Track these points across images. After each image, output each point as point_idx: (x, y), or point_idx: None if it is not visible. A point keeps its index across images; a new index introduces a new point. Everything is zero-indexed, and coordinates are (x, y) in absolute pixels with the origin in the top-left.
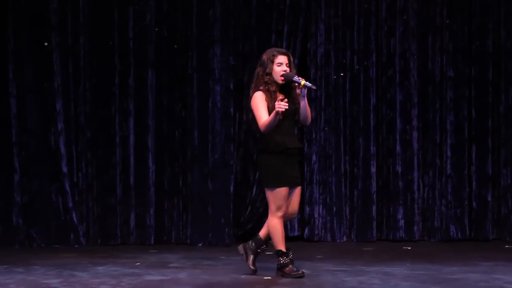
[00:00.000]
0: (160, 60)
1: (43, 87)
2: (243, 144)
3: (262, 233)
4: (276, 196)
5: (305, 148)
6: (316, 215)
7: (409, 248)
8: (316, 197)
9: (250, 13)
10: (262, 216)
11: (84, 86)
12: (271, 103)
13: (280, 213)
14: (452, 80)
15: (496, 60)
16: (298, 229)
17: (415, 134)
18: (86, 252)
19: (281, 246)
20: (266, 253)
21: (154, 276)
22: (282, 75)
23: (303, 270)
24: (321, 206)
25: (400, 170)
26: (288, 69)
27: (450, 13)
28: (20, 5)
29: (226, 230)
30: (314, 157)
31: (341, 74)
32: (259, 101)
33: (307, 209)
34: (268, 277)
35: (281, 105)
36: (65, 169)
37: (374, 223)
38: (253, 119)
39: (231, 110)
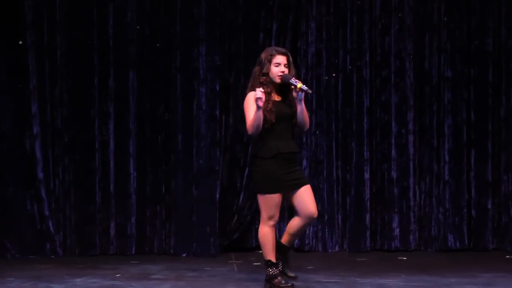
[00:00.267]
0: (142, 60)
1: (18, 88)
2: (229, 148)
3: (283, 239)
4: (268, 203)
5: None
6: None
7: (404, 258)
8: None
9: (237, 11)
10: (249, 224)
11: (61, 87)
12: (266, 104)
13: (271, 222)
14: (450, 81)
15: (497, 60)
16: None
17: (411, 138)
18: (63, 263)
19: (270, 256)
20: (254, 264)
21: None
22: (279, 76)
23: (293, 282)
24: None
25: (395, 176)
26: (286, 70)
27: (448, 10)
28: None
29: (212, 239)
30: (304, 163)
31: (333, 74)
32: (250, 103)
33: None
34: None
35: (257, 92)
36: (41, 175)
37: (368, 232)
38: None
39: (217, 112)
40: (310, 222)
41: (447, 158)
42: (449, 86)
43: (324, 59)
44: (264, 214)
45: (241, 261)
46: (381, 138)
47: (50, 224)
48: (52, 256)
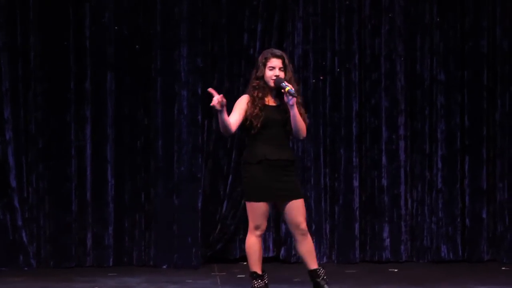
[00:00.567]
0: (120, 62)
1: None
2: (212, 155)
3: (306, 265)
4: (254, 212)
5: None
6: None
7: (395, 270)
8: (283, 215)
9: (220, 10)
10: (233, 234)
11: (35, 91)
12: (253, 109)
13: (258, 232)
14: (443, 84)
15: (492, 62)
16: (274, 249)
17: (402, 144)
18: (37, 276)
19: (256, 267)
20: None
21: None
22: (273, 80)
23: None
24: None
25: (385, 184)
26: (281, 74)
27: (440, 10)
28: None
29: (194, 250)
30: None
31: (321, 77)
32: (237, 104)
33: (283, 227)
34: None
35: (214, 99)
36: (13, 183)
37: (357, 243)
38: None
39: (199, 117)
40: (302, 237)
41: (440, 164)
42: (442, 89)
43: (311, 61)
44: (250, 223)
45: (224, 273)
46: (371, 143)
47: (23, 234)
48: (26, 268)
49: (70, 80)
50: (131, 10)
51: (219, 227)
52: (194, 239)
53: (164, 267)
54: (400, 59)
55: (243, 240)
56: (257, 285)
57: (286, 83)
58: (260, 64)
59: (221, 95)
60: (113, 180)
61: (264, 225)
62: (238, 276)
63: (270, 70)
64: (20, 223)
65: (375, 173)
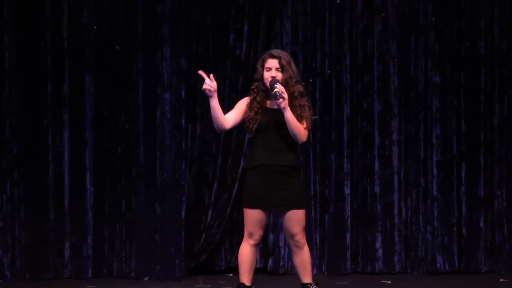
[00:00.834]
0: (99, 64)
1: None
2: (196, 161)
3: (299, 278)
4: (247, 218)
5: None
6: (281, 244)
7: (388, 282)
8: (281, 222)
9: (205, 9)
10: (218, 244)
11: (10, 94)
12: (249, 112)
13: (251, 240)
14: (438, 87)
15: (489, 64)
16: (261, 260)
17: (395, 149)
18: None
19: (245, 279)
20: None
21: None
22: (269, 81)
23: None
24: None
25: (378, 191)
26: (279, 74)
27: (436, 9)
28: None
29: (177, 261)
30: None
31: (310, 80)
32: (237, 104)
33: (271, 236)
34: None
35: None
36: None
37: (349, 253)
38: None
39: (183, 121)
40: (297, 249)
41: (435, 171)
42: (437, 92)
43: (301, 63)
44: (245, 230)
45: (209, 285)
46: (363, 149)
47: None
48: (0, 281)
49: (47, 83)
50: (111, 9)
51: (203, 236)
52: (178, 250)
53: (146, 279)
54: (394, 60)
55: (229, 251)
56: None
57: (278, 84)
58: (259, 66)
59: (211, 75)
60: (92, 188)
61: (258, 233)
62: None
63: (267, 71)
64: None
65: (367, 180)
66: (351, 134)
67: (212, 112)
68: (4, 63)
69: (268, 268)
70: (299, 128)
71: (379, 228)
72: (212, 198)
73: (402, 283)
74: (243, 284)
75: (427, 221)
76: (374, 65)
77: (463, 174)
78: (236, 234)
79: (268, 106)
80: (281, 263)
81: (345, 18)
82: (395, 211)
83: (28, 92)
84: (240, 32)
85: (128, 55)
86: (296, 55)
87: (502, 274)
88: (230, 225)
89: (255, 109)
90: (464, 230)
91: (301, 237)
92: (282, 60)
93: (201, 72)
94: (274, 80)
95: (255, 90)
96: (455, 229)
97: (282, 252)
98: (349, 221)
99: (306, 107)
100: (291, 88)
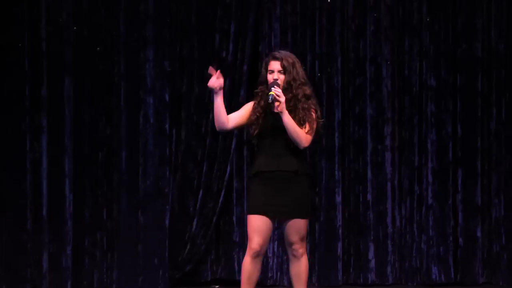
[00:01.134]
0: (79, 66)
1: None
2: (181, 167)
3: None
4: (248, 224)
5: None
6: (269, 254)
7: None
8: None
9: (190, 9)
10: (204, 255)
11: None
12: (251, 117)
13: (252, 250)
14: (433, 90)
15: (486, 67)
16: None
17: (388, 155)
18: None
19: None
20: None
21: None
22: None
23: None
24: (276, 243)
25: (370, 199)
26: (281, 77)
27: (431, 9)
28: None
29: (161, 272)
30: None
31: None
32: (243, 106)
33: None
34: None
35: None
36: None
37: (340, 264)
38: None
39: (167, 126)
40: (294, 258)
41: (430, 178)
42: (432, 96)
43: None
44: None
45: None
46: (355, 155)
47: None
48: None
49: (24, 86)
50: (91, 9)
51: (188, 247)
52: (161, 260)
53: None
54: (387, 63)
55: (215, 261)
56: None
57: (275, 88)
58: (263, 68)
59: (218, 71)
60: (72, 196)
61: (255, 241)
62: None
63: (270, 73)
64: None
65: (360, 188)
66: (343, 139)
67: (215, 109)
68: None
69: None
70: (298, 133)
71: (372, 238)
72: (198, 206)
73: None
74: None
75: (421, 230)
76: (366, 68)
77: (459, 181)
78: (222, 244)
79: (273, 110)
80: (270, 274)
81: (336, 18)
82: (389, 219)
83: (5, 96)
84: (227, 32)
85: (109, 57)
86: None
87: (500, 286)
88: (216, 235)
89: (257, 114)
90: (460, 239)
91: (299, 247)
92: (284, 61)
93: (211, 70)
94: (272, 83)
95: (259, 93)
96: (451, 239)
97: (271, 263)
98: (340, 230)
99: (312, 110)
100: (294, 91)
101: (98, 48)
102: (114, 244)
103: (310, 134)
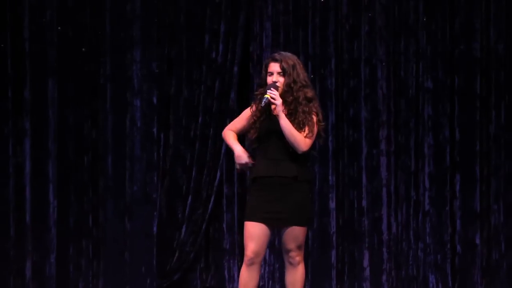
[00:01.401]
0: (63, 67)
1: None
2: (169, 172)
3: None
4: (245, 231)
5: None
6: (261, 262)
7: None
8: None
9: (178, 9)
10: (193, 263)
11: None
12: (252, 119)
13: (247, 258)
14: (430, 92)
15: (485, 68)
16: (238, 279)
17: (384, 160)
18: None
19: None
20: None
21: None
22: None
23: None
24: (268, 250)
25: (365, 205)
26: (281, 79)
27: (427, 9)
28: None
29: (148, 281)
30: None
31: None
32: (243, 112)
33: None
34: None
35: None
36: None
37: (334, 272)
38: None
39: (154, 130)
40: (290, 266)
41: (427, 184)
42: (429, 98)
43: None
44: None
45: None
46: (349, 160)
47: None
48: None
49: (7, 88)
50: (76, 8)
51: (177, 254)
52: (149, 268)
53: None
54: (382, 64)
55: (204, 269)
56: None
57: (272, 90)
58: (263, 70)
59: (249, 157)
60: (56, 202)
61: (251, 250)
62: None
63: (270, 75)
64: None
65: (354, 193)
66: (336, 143)
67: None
68: None
69: None
70: (295, 136)
71: (367, 245)
72: (186, 212)
73: None
74: None
75: (418, 238)
76: (361, 69)
77: (457, 186)
78: (212, 252)
79: (271, 113)
80: (261, 283)
81: (329, 18)
82: (384, 226)
83: None
84: (217, 32)
85: (95, 58)
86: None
87: None
88: (206, 242)
89: (255, 117)
90: (458, 247)
91: (296, 255)
92: (283, 63)
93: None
94: (269, 86)
95: (259, 96)
96: (448, 246)
97: (262, 271)
98: (334, 238)
99: (313, 113)
100: (295, 94)
101: (83, 49)
102: (100, 252)
103: (310, 138)
